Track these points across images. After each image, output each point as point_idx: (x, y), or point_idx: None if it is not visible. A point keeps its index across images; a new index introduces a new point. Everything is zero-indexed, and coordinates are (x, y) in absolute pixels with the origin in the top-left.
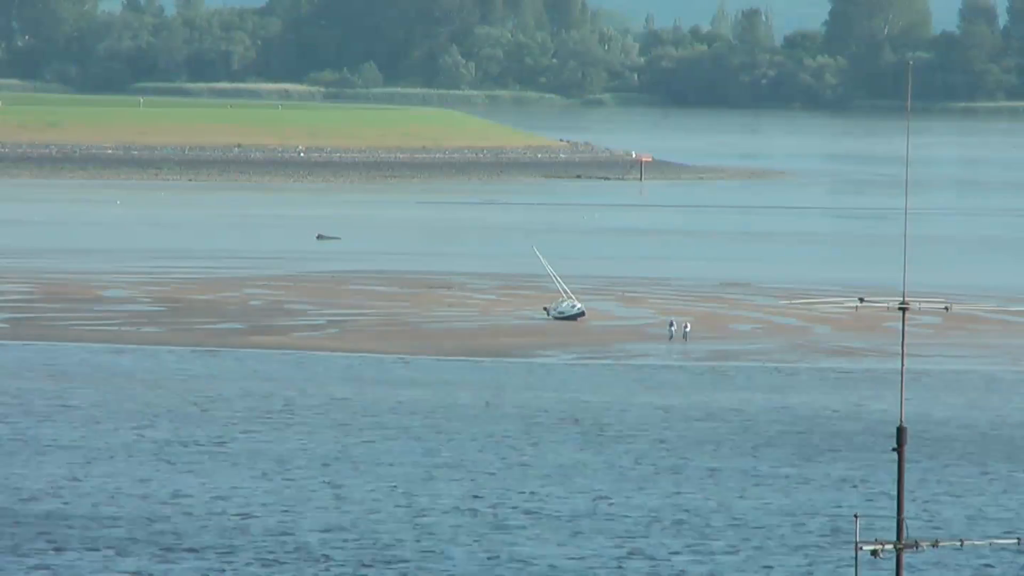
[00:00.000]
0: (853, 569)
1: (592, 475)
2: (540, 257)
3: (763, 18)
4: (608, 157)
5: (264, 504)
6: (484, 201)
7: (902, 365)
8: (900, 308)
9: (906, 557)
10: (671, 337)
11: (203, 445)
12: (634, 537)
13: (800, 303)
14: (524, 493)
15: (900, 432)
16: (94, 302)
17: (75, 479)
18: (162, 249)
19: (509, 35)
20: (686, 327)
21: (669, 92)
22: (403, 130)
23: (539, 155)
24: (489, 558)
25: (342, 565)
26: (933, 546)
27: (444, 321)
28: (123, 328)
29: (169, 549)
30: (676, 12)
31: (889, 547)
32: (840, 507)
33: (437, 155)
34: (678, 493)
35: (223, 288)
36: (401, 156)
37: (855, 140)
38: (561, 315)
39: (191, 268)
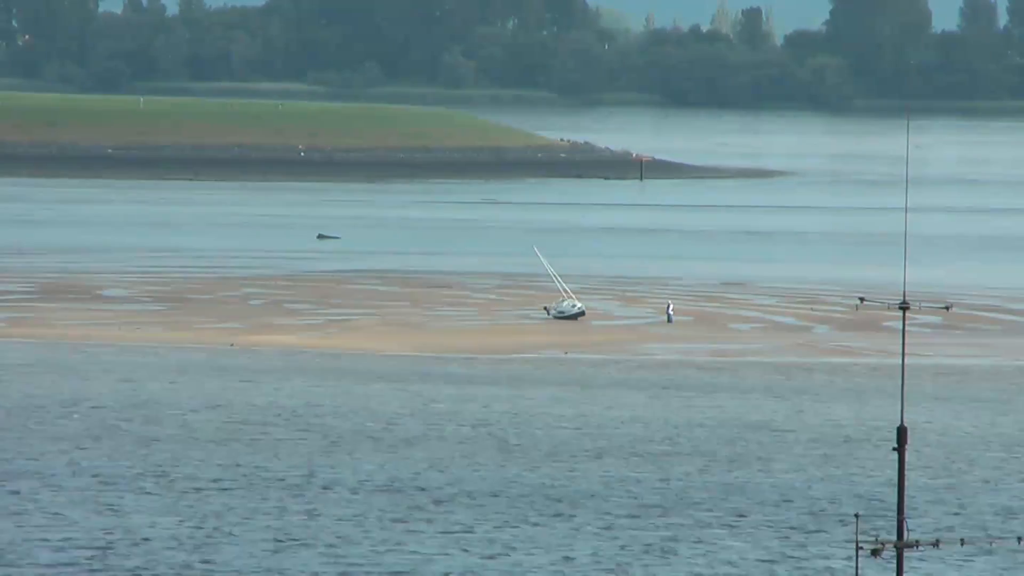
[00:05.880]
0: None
1: None
2: (540, 256)
3: (764, 17)
4: (608, 157)
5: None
6: (484, 201)
7: (902, 365)
8: (900, 308)
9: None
10: (669, 320)
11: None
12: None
13: (800, 302)
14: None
15: (901, 432)
16: (94, 301)
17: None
18: (162, 248)
19: (510, 35)
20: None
21: (669, 92)
22: (403, 130)
23: (539, 155)
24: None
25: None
26: (933, 546)
27: (444, 320)
28: (123, 327)
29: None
30: (676, 11)
31: (890, 546)
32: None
33: (437, 155)
34: None
35: (223, 288)
36: (401, 156)
37: (855, 140)
38: (561, 314)
39: (191, 268)
